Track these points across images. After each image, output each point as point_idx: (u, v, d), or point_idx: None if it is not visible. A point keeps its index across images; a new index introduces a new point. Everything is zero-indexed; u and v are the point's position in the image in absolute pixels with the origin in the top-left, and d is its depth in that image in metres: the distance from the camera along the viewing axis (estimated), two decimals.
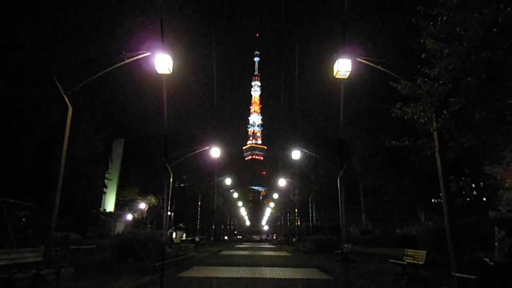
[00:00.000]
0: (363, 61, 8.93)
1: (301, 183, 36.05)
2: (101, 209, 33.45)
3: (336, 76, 9.07)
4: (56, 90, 8.96)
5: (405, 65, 9.15)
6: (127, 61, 9.35)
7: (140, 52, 9.38)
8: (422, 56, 8.06)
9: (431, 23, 7.46)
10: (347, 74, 8.95)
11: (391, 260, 10.59)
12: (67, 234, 23.14)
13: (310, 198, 32.30)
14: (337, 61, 8.91)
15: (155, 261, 10.93)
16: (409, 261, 9.73)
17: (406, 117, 8.72)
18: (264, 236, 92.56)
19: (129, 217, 35.41)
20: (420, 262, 9.23)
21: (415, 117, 8.55)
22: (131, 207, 35.37)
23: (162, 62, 9.10)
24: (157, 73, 9.30)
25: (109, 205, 34.99)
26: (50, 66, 14.21)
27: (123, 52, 9.08)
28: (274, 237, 79.28)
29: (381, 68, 8.79)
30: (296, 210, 40.20)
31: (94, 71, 9.41)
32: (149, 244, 11.40)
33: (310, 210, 32.82)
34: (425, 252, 9.38)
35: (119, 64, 9.42)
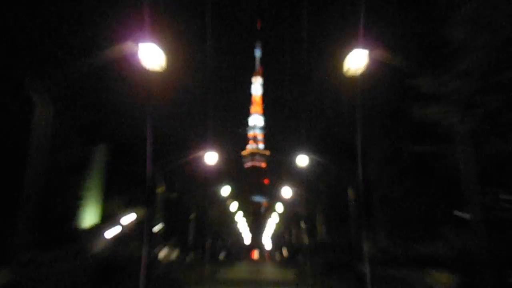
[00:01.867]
0: (379, 54, 8.85)
1: (308, 193, 35.80)
2: (79, 224, 33.15)
3: (348, 72, 8.98)
4: (30, 89, 8.88)
5: (427, 59, 9.07)
6: (112, 55, 9.28)
7: (127, 45, 9.31)
8: (447, 49, 7.97)
9: (460, 8, 7.35)
10: (361, 69, 8.87)
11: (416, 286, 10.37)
12: (36, 253, 22.82)
13: (318, 211, 32.01)
14: (349, 54, 8.83)
15: (138, 286, 10.72)
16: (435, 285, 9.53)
17: (427, 118, 8.62)
18: (266, 254, 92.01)
19: (112, 232, 35.07)
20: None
21: (438, 119, 8.45)
22: (114, 221, 35.08)
23: (152, 57, 9.04)
24: (146, 69, 9.22)
25: (89, 218, 34.66)
26: (25, 61, 14.16)
27: (108, 46, 9.01)
28: (278, 255, 78.79)
29: (399, 63, 8.71)
30: (302, 225, 39.92)
31: (74, 67, 9.33)
32: (131, 265, 11.21)
33: (318, 225, 32.53)
34: (452, 275, 9.19)
35: (102, 60, 9.35)
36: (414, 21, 16.37)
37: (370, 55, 8.89)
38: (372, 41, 9.41)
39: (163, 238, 36.74)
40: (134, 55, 9.05)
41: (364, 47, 8.74)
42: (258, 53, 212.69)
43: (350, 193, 18.19)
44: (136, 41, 9.23)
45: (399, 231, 26.38)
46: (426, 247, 25.75)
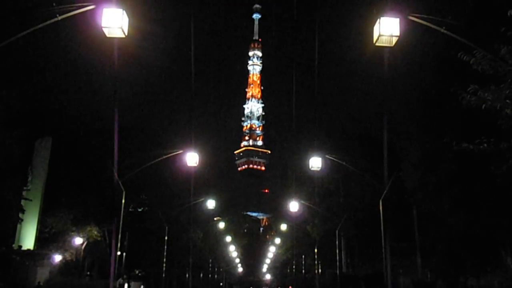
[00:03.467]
0: (418, 20, 9.07)
1: (323, 208, 36.12)
2: (15, 246, 33.41)
3: (377, 44, 9.20)
4: None
5: (482, 27, 9.29)
6: (59, 17, 9.49)
7: (80, 4, 9.53)
8: (509, 14, 8.19)
9: None
10: (394, 40, 9.08)
11: None
12: None
13: (337, 232, 32.28)
14: (378, 21, 9.04)
15: None
16: None
17: (484, 106, 8.85)
18: None
19: (58, 258, 35.36)
20: None
21: (498, 107, 8.68)
22: (61, 243, 35.33)
23: (113, 20, 9.25)
24: (105, 36, 9.44)
25: (28, 239, 34.87)
26: None
27: (54, 4, 9.21)
28: None
29: (445, 32, 8.92)
30: (315, 250, 40.24)
31: (7, 33, 9.54)
32: None
33: (337, 251, 32.82)
34: None
35: (46, 23, 9.55)
36: None
37: (406, 21, 9.11)
38: (410, 3, 9.65)
39: (128, 267, 37.01)
40: (93, 19, 9.29)
41: (399, 11, 8.96)
42: (257, 16, 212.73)
43: (382, 207, 18.48)
44: (94, 0, 9.49)
45: (443, 257, 26.69)
46: (479, 279, 26.04)
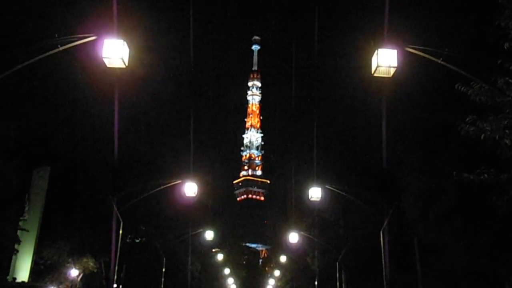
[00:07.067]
0: (415, 51, 9.17)
1: (323, 239, 35.71)
2: (9, 278, 32.85)
3: (376, 75, 9.27)
4: None
5: (480, 59, 9.38)
6: (61, 48, 9.60)
7: (81, 36, 9.65)
8: (505, 46, 8.29)
9: None
10: (392, 71, 9.16)
11: None
12: None
13: (337, 264, 31.79)
14: (376, 52, 9.14)
15: None
16: None
17: (482, 136, 8.85)
18: None
19: None
20: None
21: (497, 137, 8.68)
22: (56, 275, 34.77)
23: (114, 51, 9.37)
24: (105, 66, 9.53)
25: (22, 271, 34.21)
26: None
27: (56, 35, 9.34)
28: None
29: (443, 63, 9.01)
30: (316, 283, 39.61)
31: (8, 64, 9.62)
32: None
33: (338, 283, 32.24)
34: None
35: (48, 53, 9.64)
36: (463, 13, 16.88)
37: (404, 52, 9.22)
38: (408, 36, 9.79)
39: None
40: (94, 50, 9.42)
41: (397, 43, 9.07)
42: (256, 47, 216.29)
43: (382, 238, 18.26)
44: (96, 32, 9.64)
45: None
46: None
